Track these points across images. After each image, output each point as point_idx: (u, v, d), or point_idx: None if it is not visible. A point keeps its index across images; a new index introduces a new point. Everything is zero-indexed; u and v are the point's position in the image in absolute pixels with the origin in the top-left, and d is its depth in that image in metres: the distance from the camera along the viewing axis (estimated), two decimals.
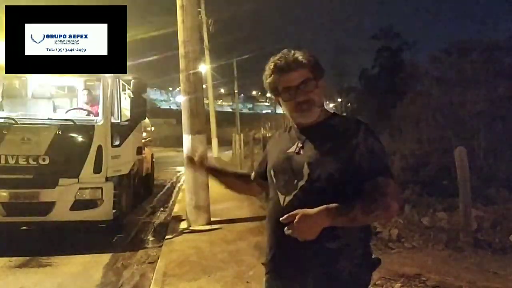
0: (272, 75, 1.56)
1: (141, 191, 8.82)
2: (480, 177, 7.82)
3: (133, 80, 6.49)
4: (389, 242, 5.17)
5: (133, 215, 7.53)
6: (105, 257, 5.28)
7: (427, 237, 5.22)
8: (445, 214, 5.94)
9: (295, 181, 1.50)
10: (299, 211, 1.34)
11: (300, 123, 1.59)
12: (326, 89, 1.66)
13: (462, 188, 4.95)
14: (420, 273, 4.03)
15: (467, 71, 12.18)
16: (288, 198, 1.51)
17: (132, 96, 6.57)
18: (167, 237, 5.93)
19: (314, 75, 1.53)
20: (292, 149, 1.57)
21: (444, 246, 4.93)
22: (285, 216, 1.36)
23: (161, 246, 5.60)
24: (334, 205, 1.36)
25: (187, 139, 6.47)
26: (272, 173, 1.62)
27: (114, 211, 5.88)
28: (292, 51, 1.55)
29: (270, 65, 1.57)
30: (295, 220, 1.33)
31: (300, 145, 1.56)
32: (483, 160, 9.52)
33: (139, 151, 7.21)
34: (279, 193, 1.55)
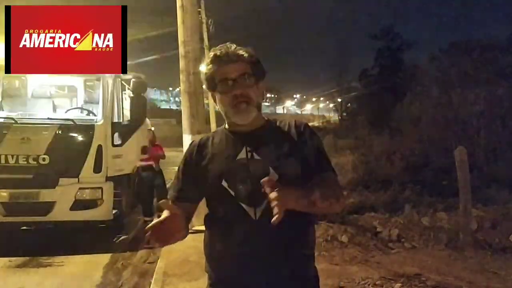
0: (211, 65, 1.47)
1: None
2: (480, 177, 7.82)
3: (133, 80, 6.46)
4: (389, 242, 5.17)
5: (133, 215, 7.52)
6: (105, 257, 5.28)
7: (427, 237, 5.22)
8: (445, 214, 5.93)
9: (262, 189, 1.34)
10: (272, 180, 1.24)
11: (236, 124, 1.48)
12: (264, 92, 1.57)
13: (462, 188, 4.95)
14: (420, 273, 4.03)
15: (467, 71, 12.19)
16: (260, 209, 1.37)
17: (132, 95, 6.54)
18: None
19: (254, 72, 1.47)
20: (241, 155, 1.44)
21: (444, 246, 4.93)
22: (266, 178, 1.23)
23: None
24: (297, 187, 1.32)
25: (187, 139, 6.47)
26: (225, 184, 1.41)
27: (114, 211, 5.87)
28: (234, 45, 1.48)
29: (209, 55, 1.49)
30: (277, 190, 1.20)
31: (249, 149, 1.44)
32: (483, 160, 9.52)
33: (144, 150, 7.13)
34: (244, 206, 1.39)
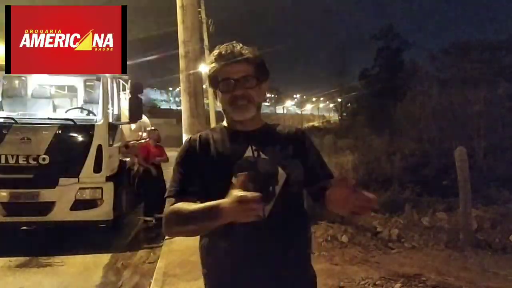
0: (214, 63, 1.46)
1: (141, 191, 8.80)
2: (480, 177, 7.82)
3: (130, 81, 6.54)
4: (389, 242, 5.17)
5: (133, 215, 7.52)
6: (105, 257, 5.27)
7: (427, 237, 5.22)
8: (445, 214, 5.94)
9: (271, 188, 1.39)
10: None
11: (237, 122, 1.48)
12: (266, 93, 1.57)
13: (462, 188, 4.95)
14: (420, 273, 4.03)
15: (467, 71, 12.20)
16: (268, 207, 1.37)
17: (130, 96, 6.59)
18: (167, 237, 5.92)
19: (257, 74, 1.47)
20: (247, 154, 1.43)
21: (444, 246, 4.93)
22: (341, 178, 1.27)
23: (161, 246, 5.59)
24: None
25: None
26: (235, 181, 1.38)
27: (114, 211, 5.87)
28: (240, 44, 1.47)
29: (214, 53, 1.48)
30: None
31: (254, 148, 1.44)
32: (483, 160, 9.52)
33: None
34: None
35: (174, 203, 1.41)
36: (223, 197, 1.35)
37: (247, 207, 1.18)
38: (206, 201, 1.37)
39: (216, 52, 1.47)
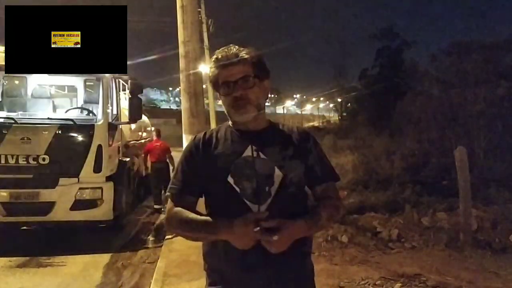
0: (213, 68, 1.51)
1: (141, 191, 8.83)
2: (480, 177, 7.81)
3: (130, 81, 6.55)
4: (389, 242, 5.17)
5: (133, 215, 7.52)
6: (105, 257, 5.28)
7: (427, 237, 5.22)
8: (445, 214, 5.93)
9: (267, 188, 1.42)
10: (280, 222, 1.34)
11: (240, 123, 1.52)
12: (269, 91, 1.59)
13: (462, 188, 4.96)
14: (420, 273, 4.03)
15: (467, 71, 12.17)
16: (263, 207, 1.40)
17: (130, 96, 6.60)
18: (167, 237, 5.92)
19: (256, 74, 1.49)
20: (247, 153, 1.46)
21: (444, 246, 4.93)
22: (267, 224, 1.32)
23: (161, 246, 5.60)
24: (308, 217, 1.44)
25: (187, 139, 6.48)
26: (231, 180, 1.43)
27: (114, 211, 5.87)
28: (237, 46, 1.51)
29: (212, 58, 1.54)
30: (279, 233, 1.31)
31: (254, 148, 1.47)
32: (483, 160, 9.51)
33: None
34: (248, 203, 1.40)
35: (175, 202, 1.51)
36: (219, 196, 1.46)
37: (245, 239, 1.33)
38: (205, 200, 1.51)
39: (213, 57, 1.52)
